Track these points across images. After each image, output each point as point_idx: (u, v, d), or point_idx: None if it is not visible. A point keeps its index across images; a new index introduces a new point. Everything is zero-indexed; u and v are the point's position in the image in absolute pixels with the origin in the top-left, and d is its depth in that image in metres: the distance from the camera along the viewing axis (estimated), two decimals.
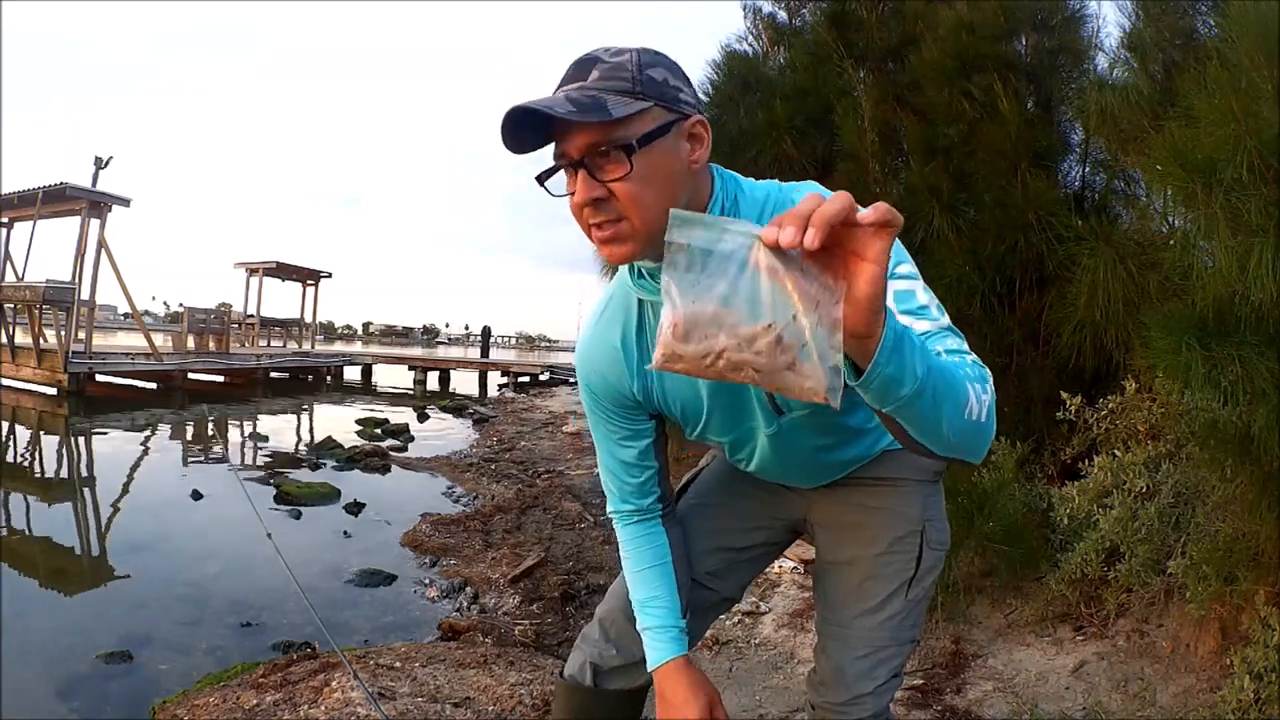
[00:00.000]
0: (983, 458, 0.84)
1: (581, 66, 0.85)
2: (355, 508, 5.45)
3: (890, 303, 0.80)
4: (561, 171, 0.86)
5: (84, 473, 6.98)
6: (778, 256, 0.58)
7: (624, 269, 1.03)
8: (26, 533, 4.76)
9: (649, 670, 1.17)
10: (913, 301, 0.87)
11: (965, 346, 0.86)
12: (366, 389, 18.22)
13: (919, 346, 0.69)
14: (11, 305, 12.59)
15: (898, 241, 0.87)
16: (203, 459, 7.68)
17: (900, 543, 1.17)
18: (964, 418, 0.76)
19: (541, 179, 0.88)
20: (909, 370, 0.67)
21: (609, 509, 1.23)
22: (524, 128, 0.82)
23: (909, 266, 0.91)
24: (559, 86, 0.85)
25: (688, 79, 0.91)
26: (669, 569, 1.19)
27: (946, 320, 0.88)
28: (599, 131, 0.81)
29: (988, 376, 0.83)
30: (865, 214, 0.57)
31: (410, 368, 20.70)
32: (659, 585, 1.17)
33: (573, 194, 0.85)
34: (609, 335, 1.06)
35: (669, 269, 0.59)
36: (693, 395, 1.06)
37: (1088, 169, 3.52)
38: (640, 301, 1.03)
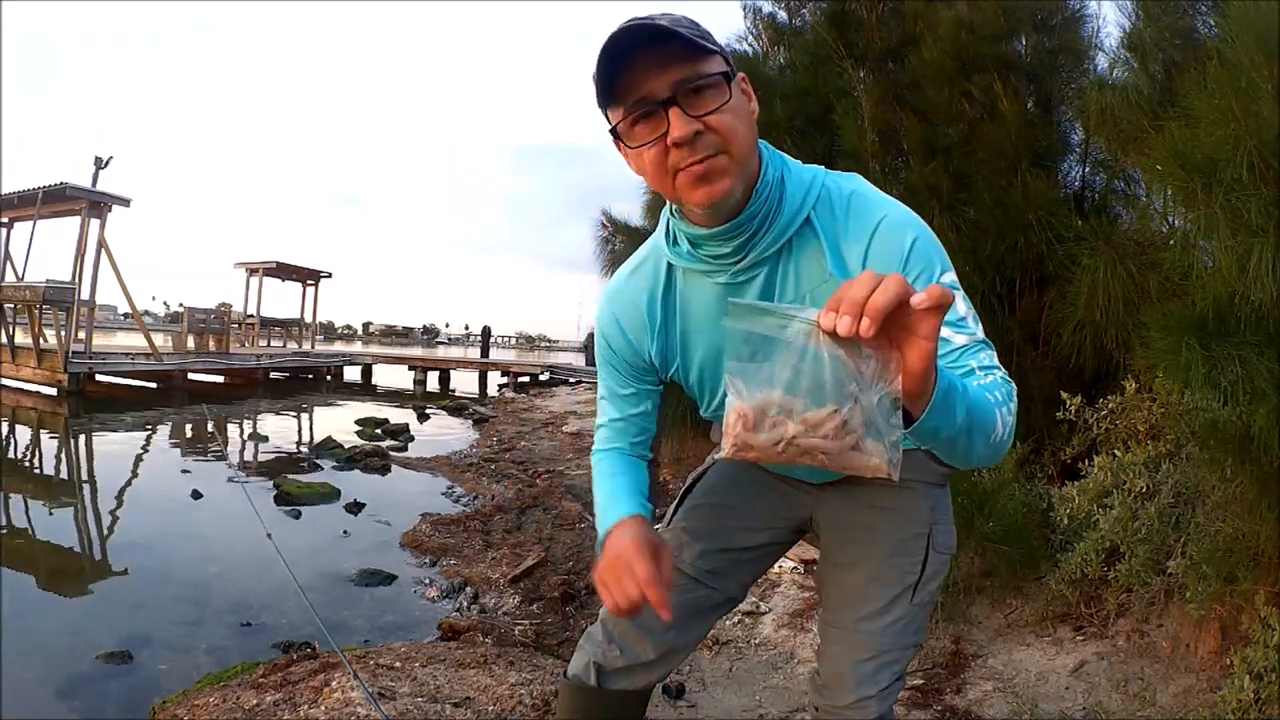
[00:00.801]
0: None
1: (640, 18, 0.83)
2: (355, 508, 5.45)
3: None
4: (636, 123, 0.84)
5: (84, 473, 6.98)
6: (836, 339, 0.60)
7: (660, 233, 1.04)
8: (27, 533, 4.76)
9: (599, 540, 1.07)
10: (954, 313, 0.88)
11: (995, 360, 0.88)
12: (366, 389, 18.22)
13: (961, 392, 0.72)
14: (11, 305, 12.59)
15: (939, 245, 0.93)
16: (203, 459, 7.68)
17: (906, 545, 1.15)
18: (989, 443, 0.79)
19: (616, 131, 0.87)
20: (950, 419, 0.71)
21: (594, 450, 1.21)
22: (608, 71, 0.81)
23: (952, 275, 0.92)
24: (619, 42, 0.81)
25: None
26: (640, 478, 1.15)
27: (981, 332, 0.89)
28: (689, 66, 0.81)
29: (1013, 393, 0.85)
30: (919, 298, 0.59)
31: (410, 368, 20.70)
32: (627, 483, 1.13)
33: (656, 139, 0.83)
34: (636, 292, 1.06)
35: (731, 357, 0.63)
36: (711, 369, 1.05)
37: (1088, 169, 3.52)
38: (670, 266, 1.03)
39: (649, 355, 1.08)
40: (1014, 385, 0.87)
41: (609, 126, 0.88)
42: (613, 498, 1.10)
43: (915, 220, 0.94)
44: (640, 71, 0.81)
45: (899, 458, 0.63)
